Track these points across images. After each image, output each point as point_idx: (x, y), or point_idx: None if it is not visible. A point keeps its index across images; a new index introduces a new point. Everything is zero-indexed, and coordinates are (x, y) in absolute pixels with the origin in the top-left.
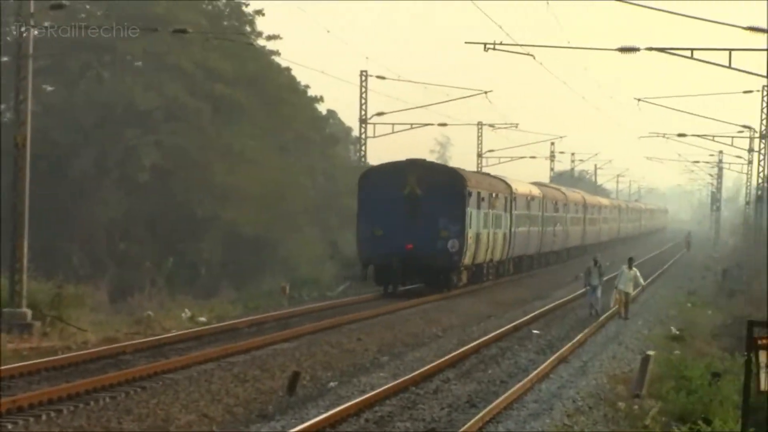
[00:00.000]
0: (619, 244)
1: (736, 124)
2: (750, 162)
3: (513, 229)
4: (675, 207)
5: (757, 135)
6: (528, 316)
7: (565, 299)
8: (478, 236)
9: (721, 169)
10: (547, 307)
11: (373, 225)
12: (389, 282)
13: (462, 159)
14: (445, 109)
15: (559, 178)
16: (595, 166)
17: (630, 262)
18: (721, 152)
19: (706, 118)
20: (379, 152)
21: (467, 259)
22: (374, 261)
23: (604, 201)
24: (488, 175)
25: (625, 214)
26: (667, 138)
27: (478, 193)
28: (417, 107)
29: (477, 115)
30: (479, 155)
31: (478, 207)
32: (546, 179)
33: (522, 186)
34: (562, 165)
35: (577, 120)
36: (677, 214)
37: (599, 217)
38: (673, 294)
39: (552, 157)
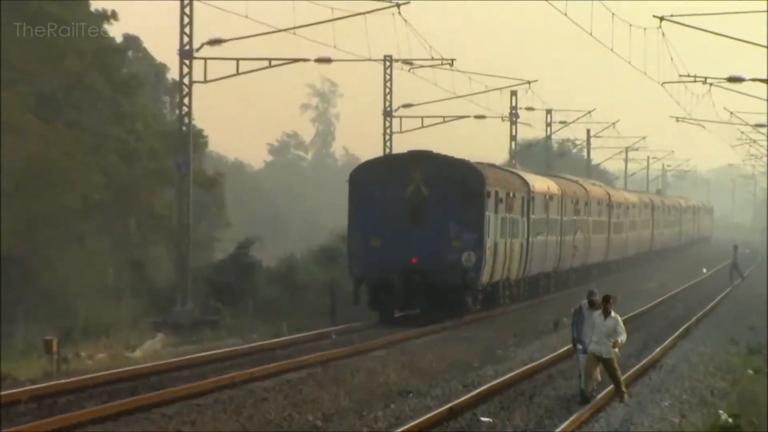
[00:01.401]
0: (647, 260)
1: None
2: None
3: (530, 239)
4: (724, 201)
5: None
6: (472, 394)
7: (535, 363)
8: (495, 247)
9: None
10: (504, 378)
11: (368, 233)
12: (388, 305)
13: (357, 120)
14: (328, 36)
15: (526, 152)
16: (588, 132)
17: (606, 302)
18: None
19: None
20: (213, 108)
21: (484, 276)
22: (370, 278)
23: (632, 197)
24: (499, 167)
25: (660, 216)
26: (711, 85)
27: (496, 193)
28: (277, 31)
29: (383, 45)
30: (388, 113)
31: (496, 210)
32: (503, 153)
33: (539, 182)
34: (532, 131)
35: (556, 57)
36: (728, 216)
37: (625, 221)
38: (723, 353)
39: (514, 116)
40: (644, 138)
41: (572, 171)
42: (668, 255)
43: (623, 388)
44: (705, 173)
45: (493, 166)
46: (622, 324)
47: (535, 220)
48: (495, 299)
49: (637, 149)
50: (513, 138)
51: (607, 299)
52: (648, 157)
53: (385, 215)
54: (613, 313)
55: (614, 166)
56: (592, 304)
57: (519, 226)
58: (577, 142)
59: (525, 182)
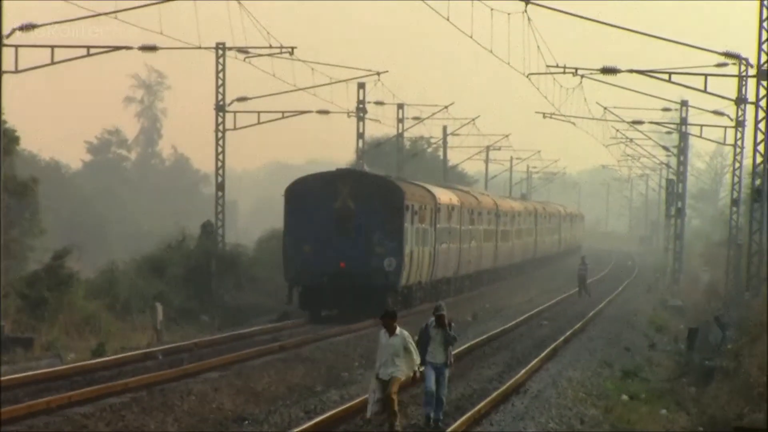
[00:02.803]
0: (532, 267)
1: (714, 52)
2: (740, 123)
3: (437, 246)
4: (597, 207)
5: (754, 71)
6: (314, 421)
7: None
8: (412, 254)
9: (685, 137)
10: (350, 403)
11: (301, 241)
12: (318, 305)
13: (186, 115)
14: (154, 21)
15: (375, 151)
16: (444, 129)
17: (385, 318)
18: (684, 104)
19: (656, 38)
20: (26, 101)
21: (403, 280)
22: (303, 281)
23: (517, 205)
24: (413, 183)
25: (542, 224)
26: (582, 77)
27: (412, 206)
28: (97, 15)
29: (216, 32)
30: (220, 107)
31: (412, 222)
32: (350, 152)
33: (444, 194)
34: (382, 127)
35: (409, 45)
36: (601, 223)
37: (512, 230)
38: (595, 376)
39: (361, 111)
40: (507, 136)
41: (426, 173)
42: (550, 262)
43: (396, 420)
44: (575, 175)
45: (407, 181)
46: (413, 343)
47: (440, 229)
48: (410, 300)
49: (499, 149)
50: (360, 135)
51: (385, 315)
52: (511, 158)
53: (316, 225)
54: (398, 331)
55: (473, 167)
56: (438, 321)
57: (428, 235)
58: (433, 141)
59: (432, 195)
